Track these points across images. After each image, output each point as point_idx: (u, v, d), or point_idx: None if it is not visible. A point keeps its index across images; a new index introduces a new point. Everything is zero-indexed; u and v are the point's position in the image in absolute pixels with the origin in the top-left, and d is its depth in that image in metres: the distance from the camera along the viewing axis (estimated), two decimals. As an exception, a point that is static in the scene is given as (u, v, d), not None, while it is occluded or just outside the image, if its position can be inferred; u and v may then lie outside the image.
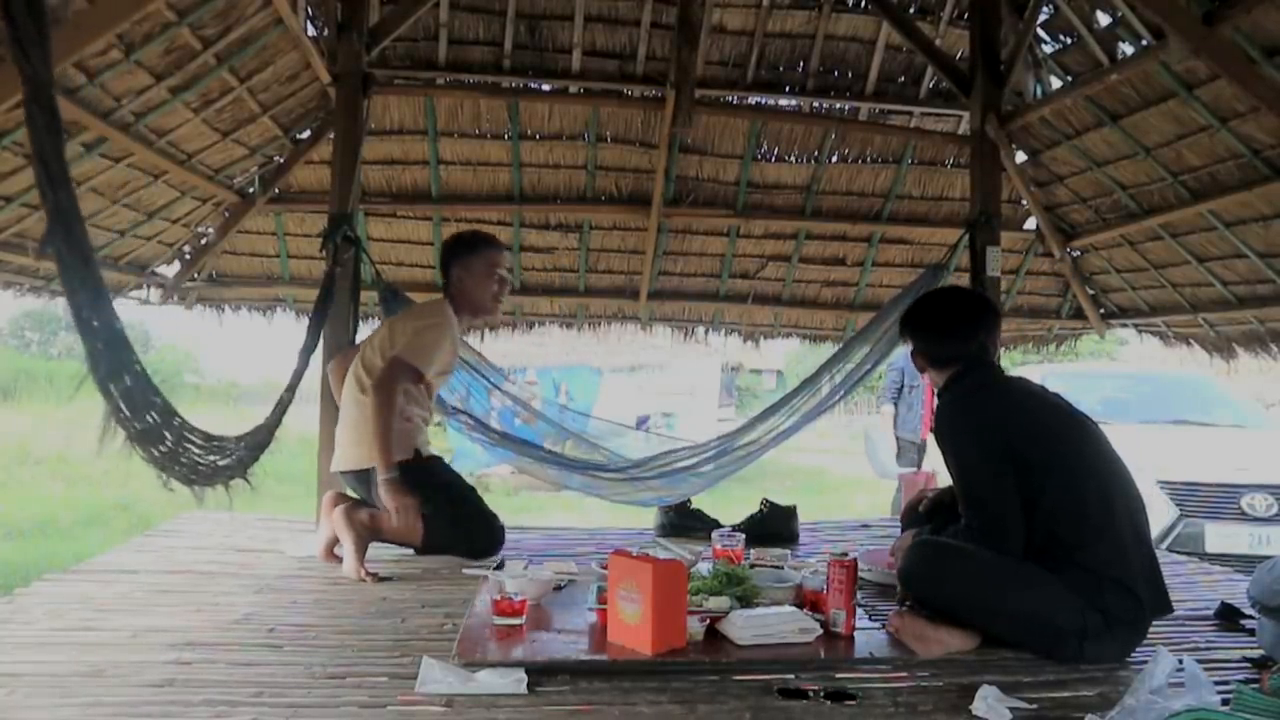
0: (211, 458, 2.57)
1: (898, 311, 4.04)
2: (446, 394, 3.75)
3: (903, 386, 7.14)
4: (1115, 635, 2.11)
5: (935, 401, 7.68)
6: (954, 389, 2.45)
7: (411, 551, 3.04)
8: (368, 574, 2.78)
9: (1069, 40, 4.12)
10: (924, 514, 2.66)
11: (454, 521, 2.99)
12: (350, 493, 3.12)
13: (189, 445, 2.43)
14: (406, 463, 2.93)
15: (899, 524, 2.95)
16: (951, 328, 2.53)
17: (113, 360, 2.03)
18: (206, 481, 2.55)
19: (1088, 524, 2.15)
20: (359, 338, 3.74)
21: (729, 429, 4.23)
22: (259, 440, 2.96)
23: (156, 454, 2.27)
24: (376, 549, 3.01)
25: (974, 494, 2.27)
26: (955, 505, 2.58)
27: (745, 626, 2.15)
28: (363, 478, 2.99)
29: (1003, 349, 5.18)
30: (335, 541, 2.95)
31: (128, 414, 2.09)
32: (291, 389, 3.24)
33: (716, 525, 3.31)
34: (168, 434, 2.29)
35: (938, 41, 4.48)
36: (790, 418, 3.96)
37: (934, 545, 2.31)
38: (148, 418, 2.18)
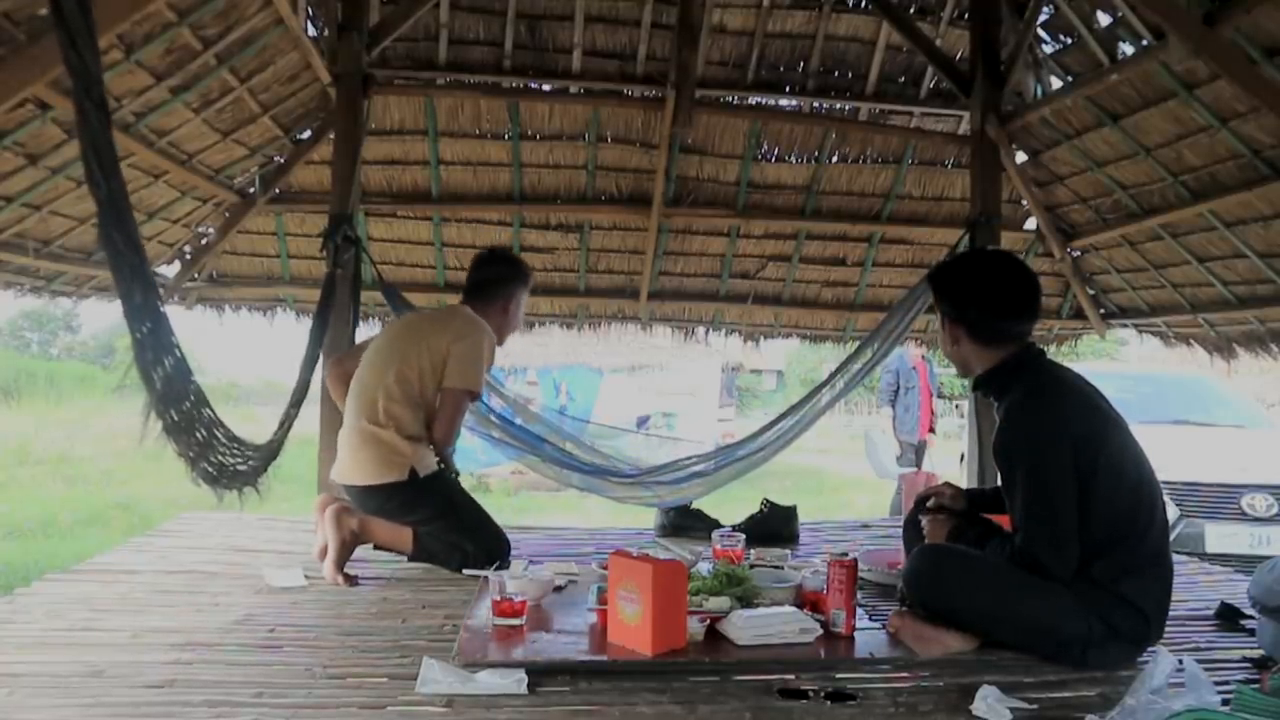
0: (233, 460, 2.58)
1: (902, 312, 4.06)
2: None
3: (898, 388, 7.10)
4: (1120, 645, 2.09)
5: (934, 403, 7.55)
6: (1018, 389, 2.22)
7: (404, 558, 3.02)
8: (344, 578, 2.77)
9: (1069, 40, 4.12)
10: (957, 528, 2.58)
11: (451, 536, 2.90)
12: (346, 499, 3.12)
13: (217, 441, 2.44)
14: (405, 482, 2.87)
15: (899, 525, 2.94)
16: (1018, 302, 2.27)
17: (157, 345, 2.06)
18: (227, 484, 2.56)
19: (1115, 536, 2.10)
20: (359, 337, 3.74)
21: (730, 429, 4.25)
22: (270, 452, 2.97)
23: (190, 447, 2.28)
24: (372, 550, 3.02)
25: (1044, 511, 2.10)
26: (966, 510, 2.56)
27: (745, 627, 2.15)
28: (361, 494, 2.92)
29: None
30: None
31: (166, 400, 2.11)
32: (297, 404, 3.21)
33: (716, 525, 3.31)
34: (200, 426, 2.30)
35: (938, 41, 4.48)
36: (798, 421, 3.96)
37: (939, 550, 2.29)
38: (184, 406, 2.19)
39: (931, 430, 7.39)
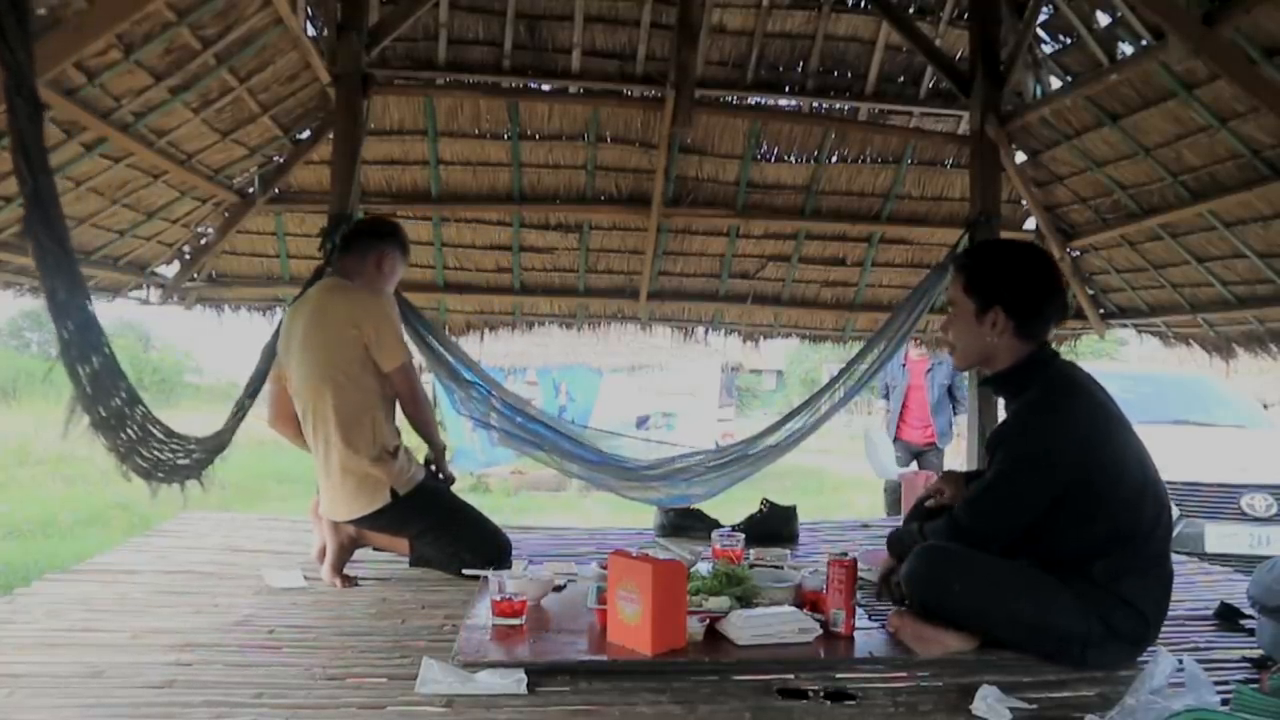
0: (170, 454, 2.56)
1: (905, 312, 4.06)
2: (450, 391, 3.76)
3: (887, 389, 6.83)
4: (1119, 645, 2.10)
5: (933, 408, 7.11)
6: (1033, 390, 2.20)
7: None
8: (343, 580, 2.77)
9: (1069, 40, 4.11)
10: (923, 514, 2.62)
11: (447, 546, 2.88)
12: None
13: (151, 437, 2.43)
14: (389, 505, 2.82)
15: (897, 524, 2.94)
16: (1060, 293, 2.27)
17: (83, 343, 2.05)
18: (165, 478, 2.54)
19: (1116, 537, 2.11)
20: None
21: (730, 429, 4.24)
22: (217, 444, 2.90)
23: (119, 442, 2.27)
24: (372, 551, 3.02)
25: (996, 506, 2.18)
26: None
27: (745, 626, 2.15)
28: (351, 522, 2.88)
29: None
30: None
31: (93, 398, 2.11)
32: (252, 395, 3.09)
33: (716, 525, 3.31)
34: (131, 423, 2.30)
35: (938, 41, 4.48)
36: (805, 421, 3.96)
37: (939, 550, 2.29)
38: (113, 403, 2.19)
39: (931, 443, 6.63)
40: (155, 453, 2.45)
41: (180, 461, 2.60)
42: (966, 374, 6.61)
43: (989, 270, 2.30)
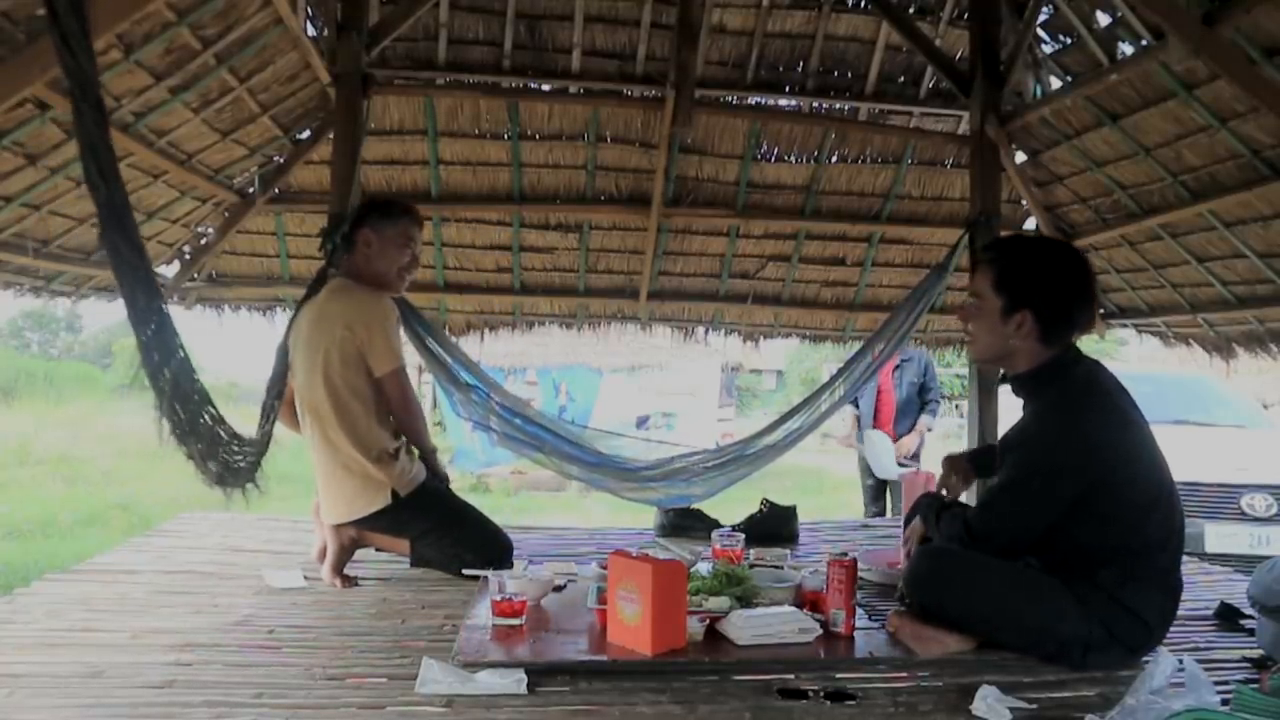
0: (231, 457, 2.55)
1: (905, 312, 4.06)
2: (449, 393, 3.76)
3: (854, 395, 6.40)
4: (1120, 649, 2.09)
5: (897, 397, 6.74)
6: (1052, 393, 2.15)
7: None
8: (343, 581, 2.77)
9: (1069, 40, 4.11)
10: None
11: (448, 548, 2.87)
12: None
13: (219, 441, 2.42)
14: (390, 506, 2.81)
15: (899, 525, 2.93)
16: (1087, 307, 2.18)
17: (162, 347, 2.03)
18: (233, 482, 2.53)
19: (1124, 546, 2.11)
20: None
21: (730, 429, 4.24)
22: (263, 445, 2.87)
23: (196, 448, 2.26)
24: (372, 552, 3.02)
25: (1008, 515, 2.16)
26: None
27: (745, 626, 2.15)
28: (351, 523, 2.86)
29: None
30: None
31: (174, 403, 2.09)
32: (278, 394, 3.03)
33: (716, 525, 3.31)
34: (204, 427, 2.28)
35: (938, 41, 4.48)
36: (803, 420, 3.96)
37: (941, 553, 2.29)
38: (190, 407, 2.17)
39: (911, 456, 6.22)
40: (225, 456, 2.44)
41: (240, 465, 2.58)
42: (938, 374, 6.52)
43: (1023, 270, 2.18)
